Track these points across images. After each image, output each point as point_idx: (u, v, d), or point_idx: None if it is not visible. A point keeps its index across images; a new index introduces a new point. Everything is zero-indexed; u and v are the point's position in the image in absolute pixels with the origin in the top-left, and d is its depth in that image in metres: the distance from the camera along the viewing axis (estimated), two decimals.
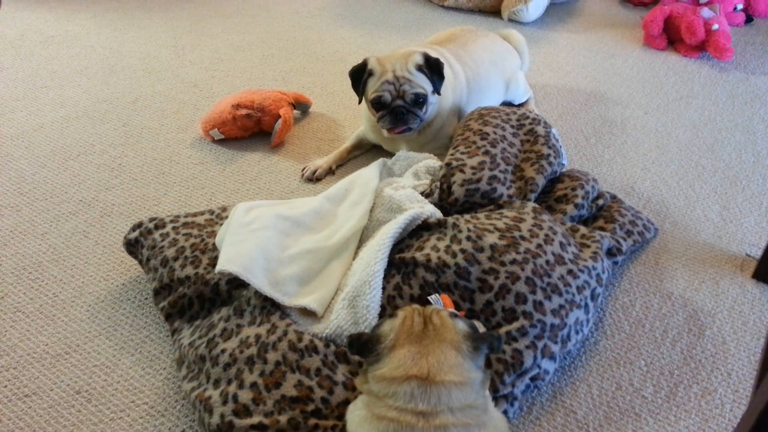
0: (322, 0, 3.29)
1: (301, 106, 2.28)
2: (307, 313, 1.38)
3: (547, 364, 1.31)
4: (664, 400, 1.33)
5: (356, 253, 1.51)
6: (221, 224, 1.56)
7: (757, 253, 1.68)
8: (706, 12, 2.67)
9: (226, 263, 1.37)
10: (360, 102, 1.93)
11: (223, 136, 2.12)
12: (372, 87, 1.86)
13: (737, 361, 1.41)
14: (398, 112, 1.84)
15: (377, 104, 1.87)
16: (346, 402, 1.20)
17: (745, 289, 1.58)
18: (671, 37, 2.79)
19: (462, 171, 1.65)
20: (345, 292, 1.37)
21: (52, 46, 2.78)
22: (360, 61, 1.90)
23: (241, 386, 1.20)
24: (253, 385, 1.20)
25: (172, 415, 1.30)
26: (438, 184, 1.66)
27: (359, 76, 1.89)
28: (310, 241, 1.51)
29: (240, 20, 3.06)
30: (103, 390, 1.35)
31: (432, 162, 1.81)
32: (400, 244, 1.48)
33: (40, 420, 1.29)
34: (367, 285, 1.34)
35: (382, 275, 1.38)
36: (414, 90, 1.83)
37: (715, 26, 2.62)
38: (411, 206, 1.54)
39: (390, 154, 1.97)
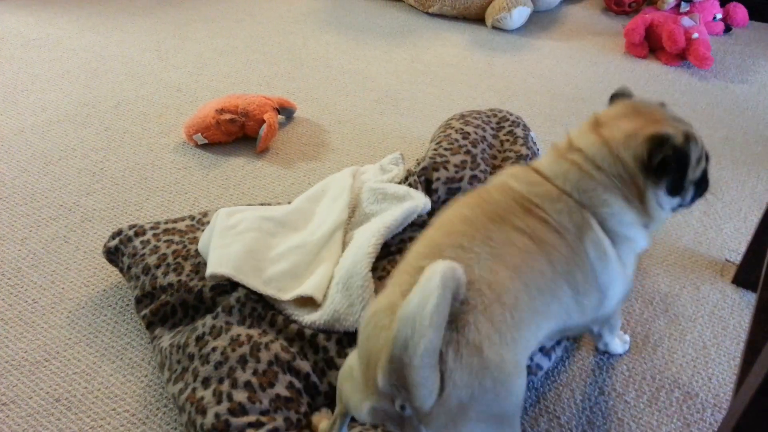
0: (307, 5, 3.29)
1: (285, 111, 2.28)
2: (304, 303, 1.38)
3: (540, 360, 1.34)
4: (646, 405, 1.34)
5: (344, 245, 1.52)
6: (203, 230, 1.55)
7: (737, 258, 1.71)
8: (686, 21, 2.71)
9: (217, 266, 1.37)
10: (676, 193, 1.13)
11: (206, 141, 2.11)
12: (695, 157, 1.12)
13: (718, 365, 1.42)
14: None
15: (703, 179, 1.17)
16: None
17: (725, 294, 1.60)
18: (652, 45, 2.82)
19: (446, 168, 1.67)
20: (339, 276, 1.38)
21: (33, 50, 2.75)
22: (664, 136, 1.10)
23: (234, 385, 1.19)
24: (247, 384, 1.19)
25: (153, 423, 1.28)
26: (416, 178, 1.67)
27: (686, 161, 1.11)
28: (296, 238, 1.52)
29: (224, 25, 3.05)
30: (83, 398, 1.33)
31: (395, 153, 1.86)
32: (389, 241, 1.49)
33: (18, 429, 1.27)
34: (359, 265, 1.35)
35: (375, 257, 1.39)
36: None
37: (695, 35, 2.66)
38: (396, 190, 1.57)
39: None
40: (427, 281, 0.82)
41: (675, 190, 1.08)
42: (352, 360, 1.01)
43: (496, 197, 1.08)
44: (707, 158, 1.14)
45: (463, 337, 0.88)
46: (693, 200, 1.16)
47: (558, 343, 1.39)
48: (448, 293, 0.83)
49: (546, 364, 1.35)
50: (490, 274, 0.96)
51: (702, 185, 1.15)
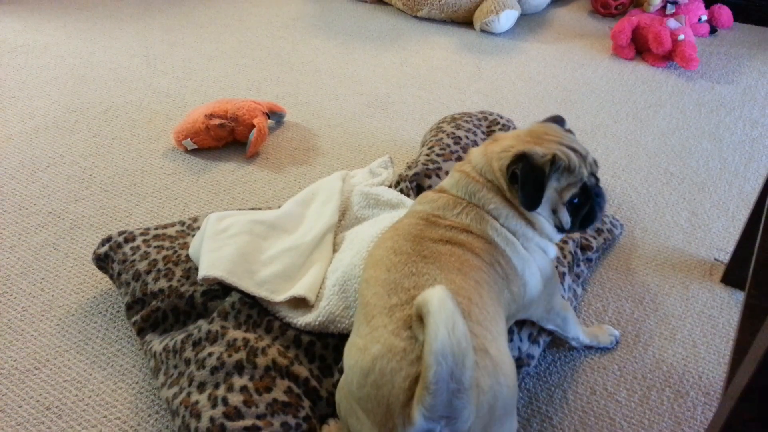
0: (296, 10, 3.30)
1: (275, 115, 2.28)
2: (297, 304, 1.37)
3: (531, 349, 1.35)
4: (637, 404, 1.34)
5: (335, 247, 1.53)
6: (193, 235, 1.55)
7: (725, 257, 1.72)
8: (672, 23, 2.74)
9: (210, 269, 1.36)
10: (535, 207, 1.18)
11: (196, 146, 2.10)
12: (565, 180, 1.19)
13: (707, 363, 1.43)
14: (599, 194, 1.24)
15: (582, 198, 1.21)
16: (326, 416, 1.22)
17: (714, 293, 1.62)
18: (639, 47, 2.85)
19: (438, 175, 1.67)
20: (335, 277, 1.38)
21: (20, 56, 2.73)
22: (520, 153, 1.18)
23: (230, 389, 1.18)
24: (243, 388, 1.19)
25: (145, 430, 1.28)
26: (408, 184, 1.67)
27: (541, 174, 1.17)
28: (287, 240, 1.52)
29: (213, 30, 3.05)
30: (74, 406, 1.32)
31: (384, 157, 1.87)
32: None
33: None
34: (357, 268, 1.35)
35: None
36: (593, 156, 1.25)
37: (681, 36, 2.68)
38: (389, 197, 1.58)
39: None
40: (441, 309, 0.85)
41: (527, 203, 1.17)
42: (349, 399, 1.01)
43: (406, 222, 1.19)
44: (590, 191, 1.21)
45: None
46: (575, 227, 1.23)
47: (543, 327, 1.40)
48: (459, 311, 0.87)
49: (536, 352, 1.36)
50: (451, 284, 1.03)
51: (584, 216, 1.22)
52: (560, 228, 1.23)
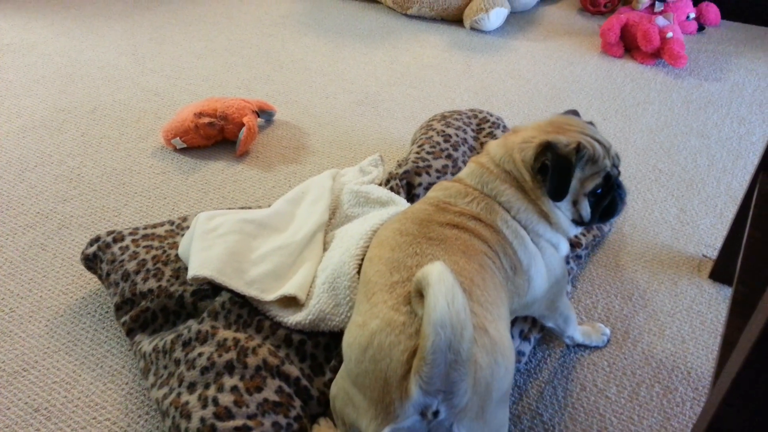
0: (286, 8, 3.29)
1: (265, 114, 2.27)
2: (288, 303, 1.37)
3: (521, 346, 1.37)
4: (627, 400, 1.35)
5: (325, 245, 1.53)
6: (183, 235, 1.54)
7: (713, 253, 1.73)
8: (660, 20, 2.75)
9: (199, 268, 1.36)
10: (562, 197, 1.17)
11: (185, 145, 2.09)
12: (589, 170, 1.19)
13: (696, 359, 1.44)
14: (621, 186, 1.25)
15: (605, 189, 1.21)
16: (317, 415, 1.21)
17: (702, 289, 1.63)
18: (628, 44, 2.86)
19: (428, 173, 1.67)
20: (325, 275, 1.37)
21: (7, 55, 2.71)
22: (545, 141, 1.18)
23: (220, 390, 1.18)
24: (234, 388, 1.18)
25: (135, 431, 1.27)
26: (398, 182, 1.67)
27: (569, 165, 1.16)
28: (277, 239, 1.51)
29: (202, 28, 3.03)
30: (63, 407, 1.31)
31: (374, 155, 1.86)
32: None
33: None
34: (346, 265, 1.35)
35: (361, 259, 1.38)
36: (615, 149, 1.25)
37: (670, 34, 2.70)
38: (379, 195, 1.58)
39: None
40: (440, 281, 0.86)
41: (555, 194, 1.16)
42: (345, 385, 1.01)
43: (416, 207, 1.20)
44: (612, 181, 1.21)
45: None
46: (594, 219, 1.22)
47: (534, 324, 1.42)
48: (459, 285, 0.88)
49: (527, 348, 1.37)
50: (455, 265, 1.04)
51: (605, 207, 1.22)
52: (579, 221, 1.22)
